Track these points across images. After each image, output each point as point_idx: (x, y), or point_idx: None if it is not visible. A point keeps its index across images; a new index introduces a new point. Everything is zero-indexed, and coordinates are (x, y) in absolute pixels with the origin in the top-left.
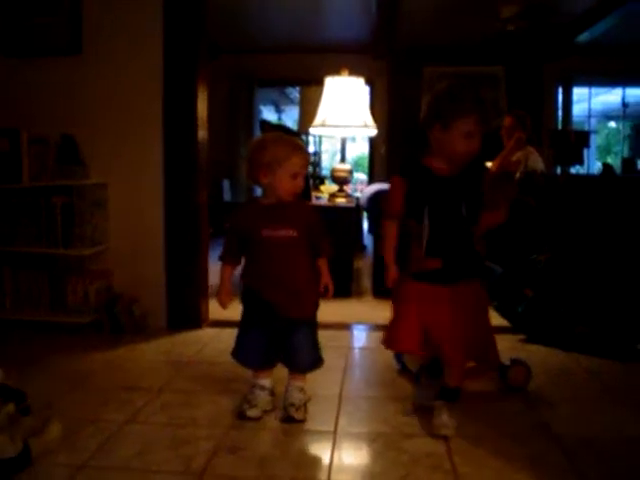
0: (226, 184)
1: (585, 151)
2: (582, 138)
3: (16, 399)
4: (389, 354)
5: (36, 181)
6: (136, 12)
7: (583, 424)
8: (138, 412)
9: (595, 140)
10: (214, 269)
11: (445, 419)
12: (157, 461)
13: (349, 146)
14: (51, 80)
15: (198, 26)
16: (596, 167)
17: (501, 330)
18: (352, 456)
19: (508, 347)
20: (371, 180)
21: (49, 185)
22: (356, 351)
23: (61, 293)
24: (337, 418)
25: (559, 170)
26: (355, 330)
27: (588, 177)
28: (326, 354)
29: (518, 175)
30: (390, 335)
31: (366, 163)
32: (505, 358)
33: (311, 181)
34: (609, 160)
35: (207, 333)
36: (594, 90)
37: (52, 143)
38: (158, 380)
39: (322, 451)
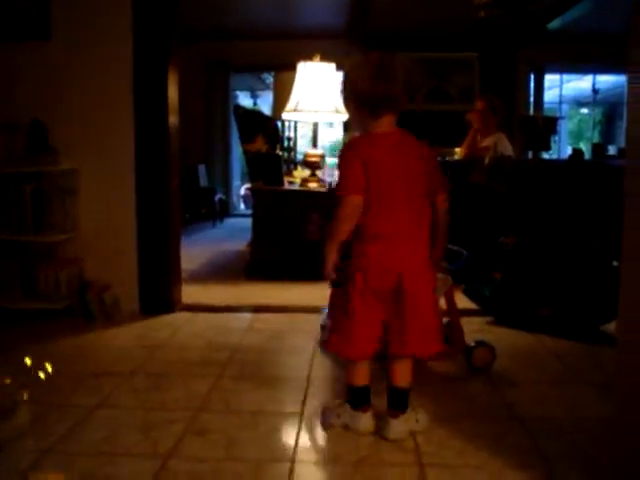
0: (202, 169)
1: (555, 137)
2: (550, 125)
3: None
4: None
5: (5, 167)
6: None
7: (546, 405)
8: (108, 396)
9: (567, 126)
10: (189, 254)
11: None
12: (125, 444)
13: (326, 131)
14: (20, 65)
15: (169, 11)
16: (567, 152)
17: (469, 313)
18: (317, 437)
19: (475, 329)
20: None
21: (19, 171)
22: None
23: (32, 280)
24: (304, 400)
25: (530, 156)
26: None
27: (556, 162)
28: (298, 337)
29: (487, 160)
30: None
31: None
32: (471, 340)
33: (284, 166)
34: (581, 145)
35: (180, 317)
36: (566, 77)
37: (22, 129)
38: (129, 364)
39: (288, 433)
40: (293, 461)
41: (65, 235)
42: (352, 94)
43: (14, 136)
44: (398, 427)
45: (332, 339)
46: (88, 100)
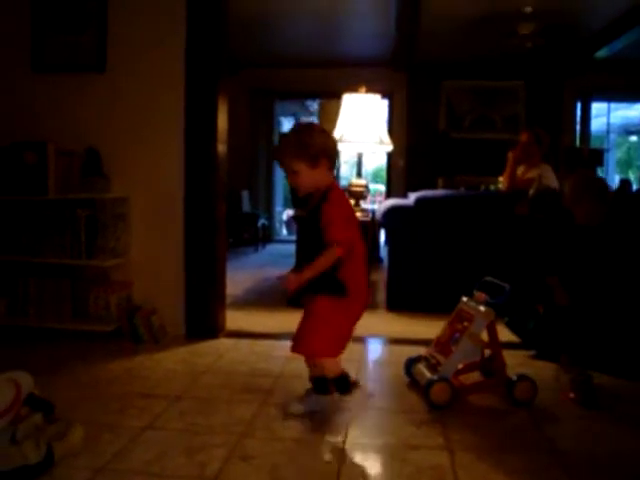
0: (245, 195)
1: (602, 168)
2: (596, 156)
3: (44, 409)
4: (400, 367)
5: (62, 194)
6: (159, 29)
7: (586, 441)
8: (155, 419)
9: (615, 154)
10: (232, 280)
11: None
12: (173, 466)
13: (369, 157)
14: (77, 95)
15: (219, 41)
16: (615, 182)
17: (511, 346)
18: (359, 466)
19: (517, 363)
20: (389, 192)
21: (74, 198)
22: (367, 364)
23: (84, 302)
24: (347, 429)
25: None
26: (367, 343)
27: None
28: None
29: (532, 192)
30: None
31: (385, 175)
32: (513, 373)
33: None
34: (630, 175)
35: (224, 343)
36: (613, 105)
37: (77, 156)
38: (175, 388)
39: (330, 461)
40: None
41: (116, 260)
42: (324, 151)
43: (71, 163)
44: None
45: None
46: (141, 129)
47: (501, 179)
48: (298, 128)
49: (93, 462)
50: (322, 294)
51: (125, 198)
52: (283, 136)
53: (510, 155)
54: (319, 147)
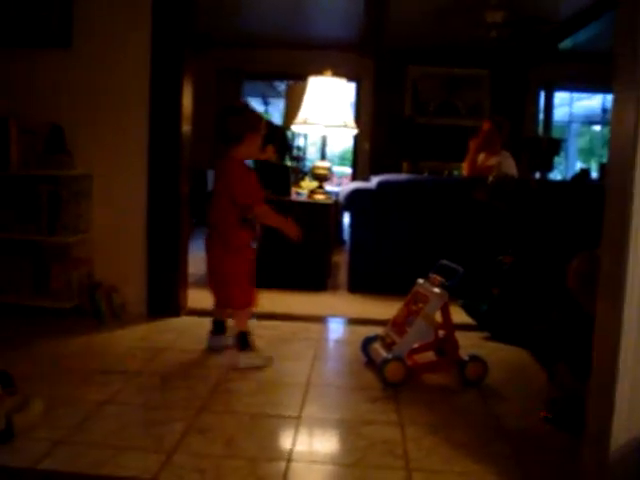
0: (211, 174)
1: (563, 156)
2: (554, 146)
3: (3, 382)
4: (357, 347)
5: (23, 170)
6: (125, 6)
7: (531, 418)
8: (115, 394)
9: (577, 144)
10: (195, 259)
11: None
12: (131, 439)
13: (336, 139)
14: (41, 71)
15: (185, 22)
16: (576, 171)
17: (465, 328)
18: (313, 440)
19: (471, 344)
20: (355, 175)
21: (36, 174)
22: (326, 343)
23: (45, 279)
24: (302, 404)
25: (538, 175)
26: (327, 323)
27: (559, 182)
28: (297, 345)
29: (491, 179)
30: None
31: (351, 157)
32: (465, 354)
33: (292, 176)
34: (592, 164)
35: (185, 321)
36: (576, 95)
37: (40, 133)
38: (135, 364)
39: (285, 434)
40: (289, 460)
41: (78, 236)
42: (257, 128)
43: (33, 139)
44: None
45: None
46: (105, 107)
47: (463, 165)
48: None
49: (52, 434)
50: None
51: (88, 175)
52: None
53: (471, 143)
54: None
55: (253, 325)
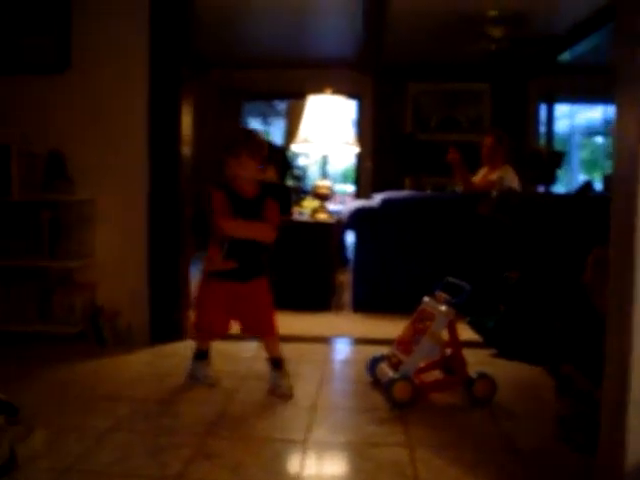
0: None
1: (566, 169)
2: (556, 159)
3: (7, 412)
4: (363, 367)
5: (25, 196)
6: (123, 31)
7: (543, 437)
8: (120, 421)
9: (580, 155)
10: (197, 282)
11: (284, 383)
12: (136, 467)
13: (337, 158)
14: (40, 97)
15: (183, 44)
16: (579, 183)
17: (472, 345)
18: (321, 463)
19: (478, 361)
20: (358, 192)
21: (37, 200)
22: (332, 364)
23: (48, 304)
24: (310, 427)
25: (542, 189)
26: (332, 343)
27: (563, 196)
28: (303, 366)
29: (494, 193)
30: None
31: (353, 175)
32: (473, 372)
33: (294, 195)
34: (595, 175)
35: (189, 345)
36: (577, 107)
37: (41, 159)
38: (140, 390)
39: (292, 458)
40: None
41: (80, 261)
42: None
43: (34, 165)
44: None
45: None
46: (105, 131)
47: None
48: (252, 132)
49: (57, 463)
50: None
51: (90, 200)
52: (250, 135)
53: (453, 159)
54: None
55: (256, 348)
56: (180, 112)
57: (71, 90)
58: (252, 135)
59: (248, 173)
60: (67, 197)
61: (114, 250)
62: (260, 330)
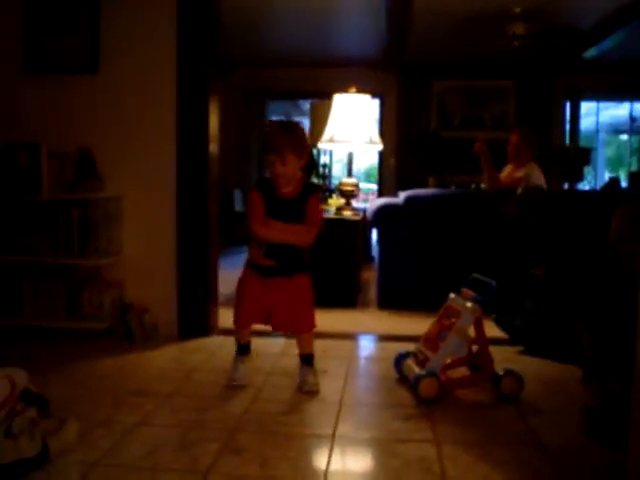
0: (237, 194)
1: (592, 166)
2: (582, 155)
3: (39, 404)
4: (389, 363)
5: (54, 194)
6: (150, 31)
7: (570, 433)
8: (148, 415)
9: (605, 153)
10: (224, 278)
11: (311, 379)
12: (165, 460)
13: (361, 156)
14: (69, 96)
15: (210, 44)
16: (605, 181)
17: (498, 342)
18: (347, 459)
19: (505, 358)
20: (381, 191)
21: (67, 198)
22: (358, 360)
23: (77, 301)
24: (336, 423)
25: (567, 186)
26: (358, 340)
27: (589, 192)
28: (329, 362)
29: (519, 191)
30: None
31: (377, 173)
32: (500, 368)
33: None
34: (620, 173)
35: (216, 341)
36: (602, 104)
37: (70, 157)
38: (167, 385)
39: (320, 454)
40: None
41: (109, 259)
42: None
43: (63, 164)
44: None
45: None
46: (133, 129)
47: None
48: (292, 124)
49: (87, 457)
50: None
51: (118, 197)
52: (284, 127)
53: (480, 150)
54: (307, 145)
55: (283, 344)
56: (208, 110)
57: (100, 89)
58: (294, 128)
59: (290, 170)
60: (96, 195)
61: (142, 247)
62: (297, 326)
